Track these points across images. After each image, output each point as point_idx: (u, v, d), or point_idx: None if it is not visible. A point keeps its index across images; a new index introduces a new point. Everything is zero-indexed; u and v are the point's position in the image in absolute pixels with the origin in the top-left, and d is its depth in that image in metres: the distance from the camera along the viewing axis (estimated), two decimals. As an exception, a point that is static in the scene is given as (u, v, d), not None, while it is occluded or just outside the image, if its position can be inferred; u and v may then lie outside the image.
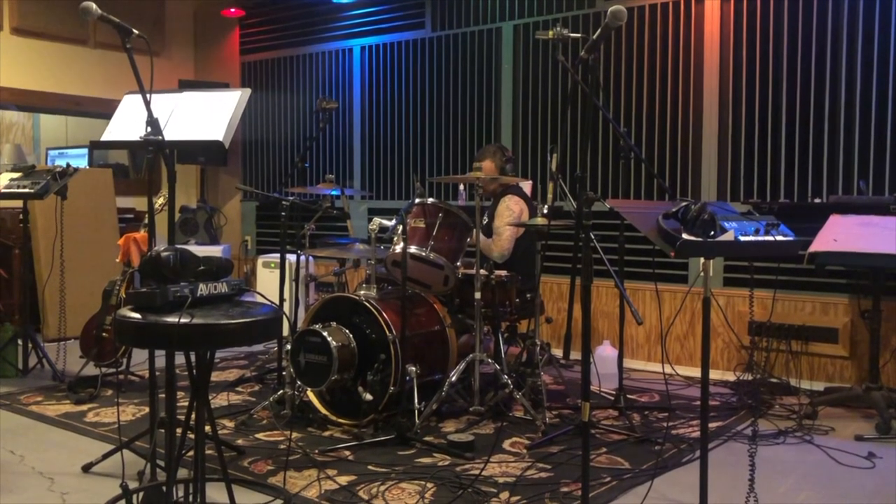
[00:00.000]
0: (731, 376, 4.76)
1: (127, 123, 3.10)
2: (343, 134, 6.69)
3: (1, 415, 4.00)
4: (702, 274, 2.52)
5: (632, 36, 5.18)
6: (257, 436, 3.59)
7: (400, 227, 3.79)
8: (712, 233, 2.37)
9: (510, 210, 4.39)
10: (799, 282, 4.60)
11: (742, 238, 2.45)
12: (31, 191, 4.42)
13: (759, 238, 2.50)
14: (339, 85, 6.70)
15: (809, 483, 3.12)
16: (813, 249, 3.76)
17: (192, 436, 2.41)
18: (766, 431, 3.71)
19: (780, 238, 2.54)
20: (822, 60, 4.56)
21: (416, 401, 3.59)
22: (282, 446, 3.43)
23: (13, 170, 4.74)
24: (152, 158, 2.72)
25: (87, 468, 3.17)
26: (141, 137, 2.68)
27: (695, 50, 4.97)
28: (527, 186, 4.88)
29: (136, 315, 2.18)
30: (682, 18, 5.01)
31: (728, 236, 2.40)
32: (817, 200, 4.55)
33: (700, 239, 2.36)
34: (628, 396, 4.10)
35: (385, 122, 6.40)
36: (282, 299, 4.06)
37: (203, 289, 2.28)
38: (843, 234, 3.78)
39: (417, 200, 4.03)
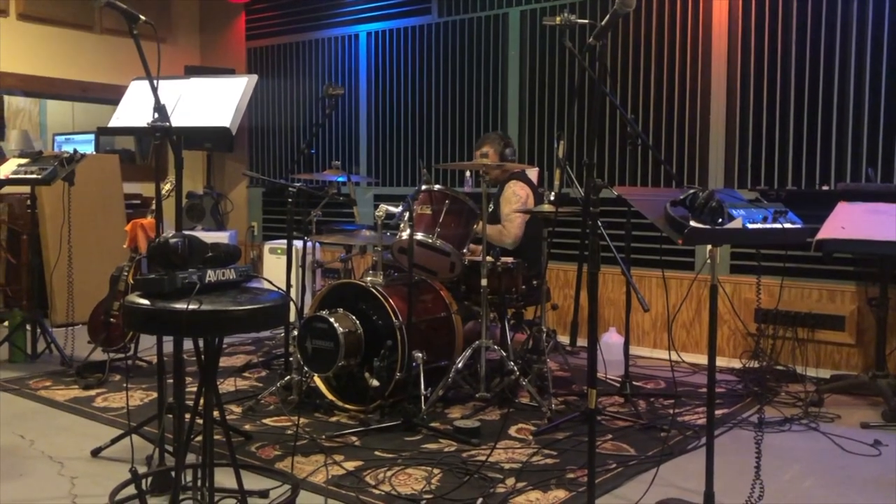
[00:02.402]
0: (737, 363, 4.76)
1: (134, 109, 3.10)
2: (349, 120, 6.68)
3: (10, 399, 4.03)
4: (709, 261, 2.52)
5: (639, 22, 5.15)
6: (264, 421, 3.61)
7: (406, 214, 3.79)
8: (720, 220, 2.37)
9: (517, 195, 4.39)
10: (806, 269, 4.59)
11: (750, 225, 2.44)
12: (39, 177, 4.43)
13: (767, 225, 2.49)
14: (345, 71, 6.68)
15: (815, 470, 3.12)
16: (820, 237, 3.75)
17: (200, 421, 2.43)
18: (771, 419, 3.71)
19: (787, 226, 2.53)
20: (830, 46, 4.53)
21: (422, 387, 3.59)
22: (289, 432, 3.45)
23: (20, 156, 4.74)
24: (159, 144, 2.72)
25: (95, 453, 3.19)
26: (148, 124, 2.68)
27: (703, 36, 4.94)
28: (533, 173, 4.87)
29: (145, 301, 2.19)
30: (689, 4, 4.98)
31: (736, 224, 2.39)
32: (825, 188, 4.53)
33: (708, 226, 2.36)
34: (634, 383, 4.11)
35: (391, 109, 6.39)
36: (288, 285, 4.06)
37: (211, 275, 2.28)
38: (850, 222, 3.77)
39: (424, 187, 4.03)
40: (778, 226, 2.51)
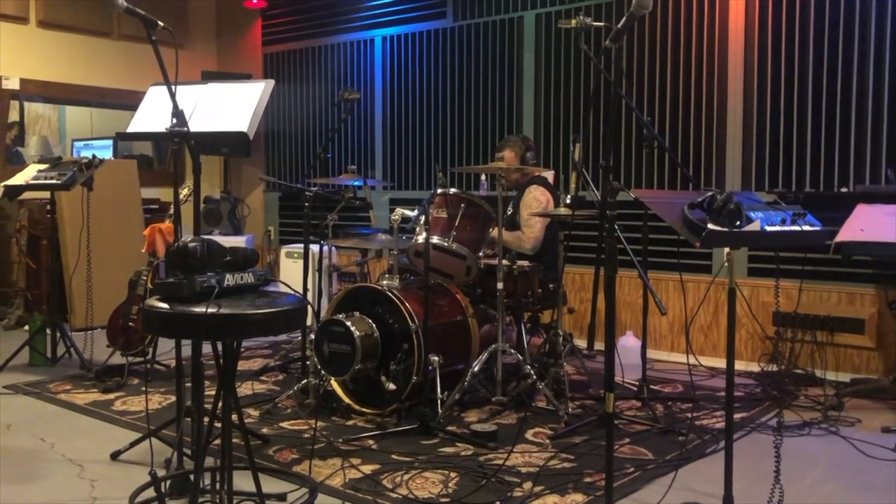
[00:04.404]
0: (755, 367, 4.72)
1: (152, 115, 3.12)
2: (365, 124, 6.70)
3: (31, 403, 4.07)
4: (726, 264, 2.51)
5: (655, 24, 5.14)
6: (282, 424, 3.62)
7: (422, 218, 3.80)
8: (738, 223, 2.35)
9: (537, 200, 4.38)
10: (825, 272, 4.55)
11: (768, 228, 2.43)
12: (58, 182, 4.47)
13: (786, 228, 2.48)
14: (360, 75, 6.70)
15: (835, 475, 3.10)
16: (839, 239, 3.71)
17: (218, 424, 2.44)
18: (791, 423, 3.68)
19: (806, 228, 2.51)
20: (849, 47, 4.49)
21: (438, 390, 3.59)
22: (306, 435, 3.46)
23: (40, 161, 4.80)
24: (177, 150, 2.74)
25: (115, 456, 3.21)
26: (166, 129, 2.70)
27: (719, 38, 4.92)
28: (549, 176, 4.86)
29: (164, 305, 2.20)
30: (706, 6, 4.96)
31: (754, 226, 2.38)
32: (844, 190, 4.49)
33: (726, 229, 2.34)
34: (652, 387, 4.08)
35: (407, 113, 6.40)
36: (305, 289, 4.08)
37: (229, 279, 2.30)
38: (870, 224, 3.73)
39: (440, 190, 4.03)
40: (796, 228, 2.49)
